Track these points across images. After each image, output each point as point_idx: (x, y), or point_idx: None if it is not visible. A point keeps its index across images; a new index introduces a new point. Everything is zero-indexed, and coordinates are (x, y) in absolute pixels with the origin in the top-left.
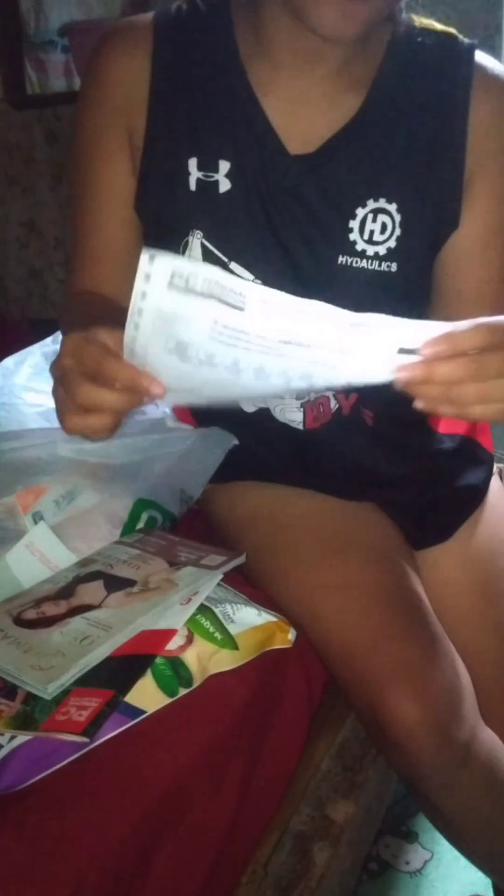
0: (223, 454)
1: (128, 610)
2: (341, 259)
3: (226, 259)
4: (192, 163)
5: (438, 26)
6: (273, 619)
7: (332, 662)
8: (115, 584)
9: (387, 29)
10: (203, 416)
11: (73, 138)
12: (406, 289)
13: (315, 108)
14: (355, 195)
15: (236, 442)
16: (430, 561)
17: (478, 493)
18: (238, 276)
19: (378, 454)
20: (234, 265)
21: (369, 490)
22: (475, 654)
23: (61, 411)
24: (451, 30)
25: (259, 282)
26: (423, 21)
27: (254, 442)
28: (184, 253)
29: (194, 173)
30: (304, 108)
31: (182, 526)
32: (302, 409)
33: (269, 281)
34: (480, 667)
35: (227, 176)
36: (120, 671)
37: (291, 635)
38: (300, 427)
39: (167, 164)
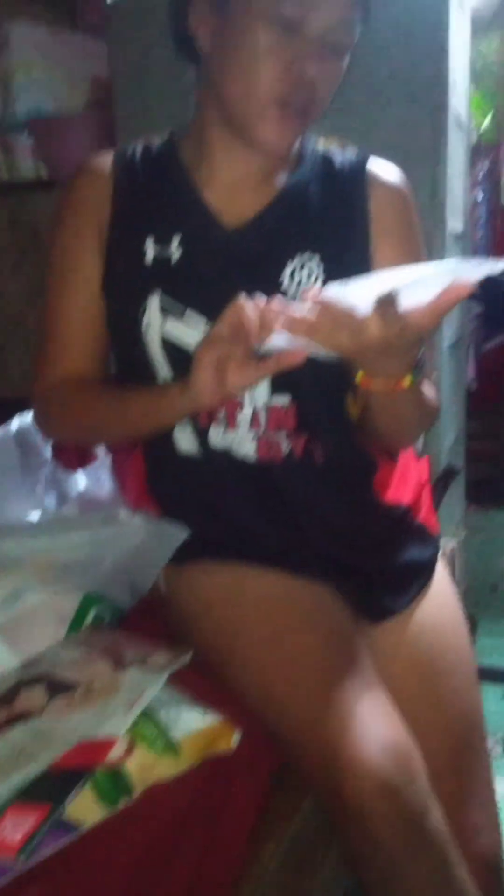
0: (175, 547)
1: (69, 718)
2: None
3: (181, 311)
4: (149, 242)
5: (336, 143)
6: (217, 721)
7: (287, 741)
8: (57, 688)
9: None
10: (162, 481)
11: (51, 246)
12: None
13: (246, 193)
14: (284, 253)
15: (188, 535)
16: (380, 637)
17: (425, 569)
18: (195, 324)
19: (328, 502)
20: (188, 313)
21: (324, 551)
22: (423, 731)
23: (218, 382)
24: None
25: (211, 325)
26: (325, 140)
27: (212, 498)
28: (143, 315)
29: (150, 250)
30: (237, 195)
31: (132, 612)
32: (255, 442)
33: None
34: (428, 744)
35: (179, 247)
36: (58, 784)
37: (235, 738)
38: (253, 461)
39: (128, 245)
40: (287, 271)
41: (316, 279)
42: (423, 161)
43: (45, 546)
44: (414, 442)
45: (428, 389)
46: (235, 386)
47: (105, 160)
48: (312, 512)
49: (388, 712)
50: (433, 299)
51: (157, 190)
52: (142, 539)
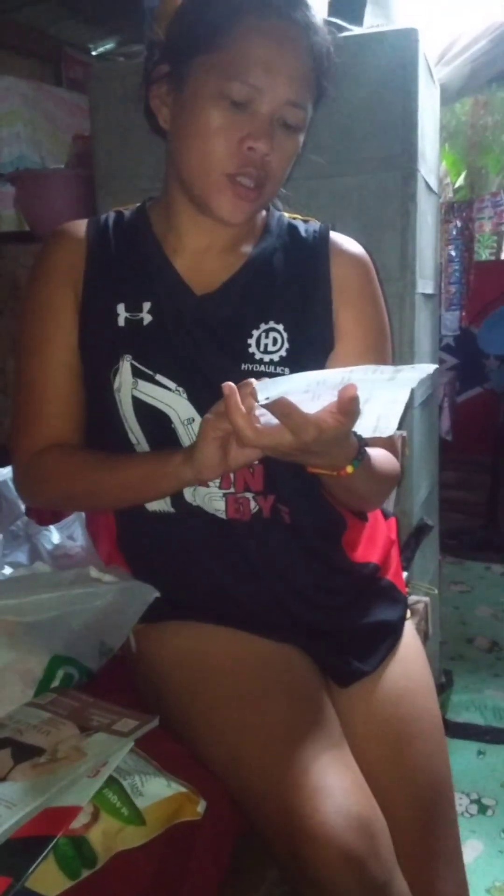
0: (144, 607)
1: (33, 784)
2: (244, 366)
3: (151, 373)
4: (121, 306)
5: (301, 217)
6: (183, 789)
7: (251, 807)
8: (22, 752)
9: (263, 209)
10: (133, 539)
11: (26, 308)
12: None
13: (213, 261)
14: (250, 320)
15: (157, 594)
16: (348, 703)
17: (394, 630)
18: (166, 386)
19: (297, 561)
20: (159, 376)
21: (293, 613)
22: (390, 796)
23: (222, 458)
24: (311, 218)
25: (182, 388)
26: (290, 213)
27: (182, 558)
28: (115, 377)
29: (122, 314)
30: (205, 263)
31: (102, 671)
32: (224, 499)
33: (188, 386)
34: (395, 810)
35: (150, 312)
36: (20, 854)
37: (201, 807)
38: (223, 516)
39: (100, 309)
40: (254, 338)
41: (280, 346)
42: (394, 226)
43: (14, 606)
44: (378, 506)
45: (383, 461)
46: (237, 462)
47: (80, 226)
48: (281, 571)
49: (354, 780)
50: (332, 401)
51: (129, 258)
52: (112, 598)
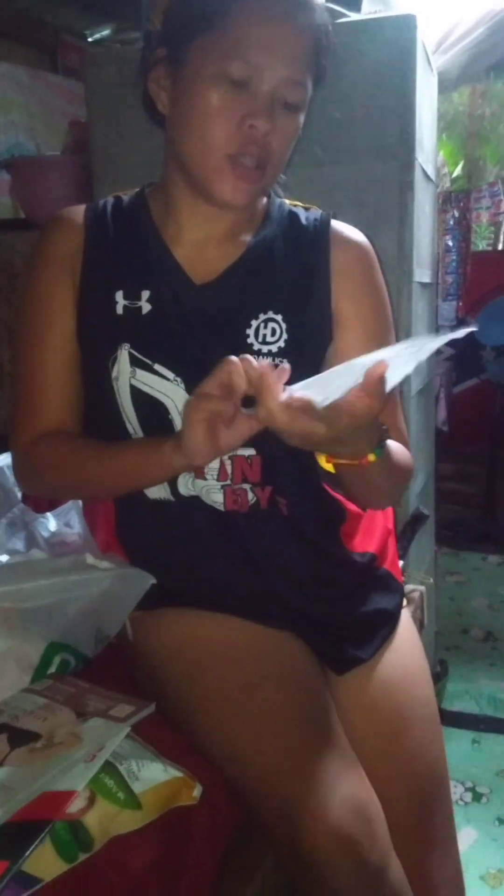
0: (141, 594)
1: (30, 769)
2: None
3: (150, 362)
4: (119, 294)
5: (302, 204)
6: (179, 774)
7: (248, 792)
8: (19, 738)
9: (264, 196)
10: (131, 529)
11: (23, 296)
12: (299, 379)
13: (213, 250)
14: (249, 310)
15: (154, 581)
16: (344, 690)
17: (390, 618)
18: (164, 375)
19: (294, 552)
20: (157, 366)
21: (290, 602)
22: (386, 783)
23: (211, 441)
24: (313, 206)
25: (180, 378)
26: (292, 201)
27: (179, 547)
28: (114, 365)
29: (120, 302)
30: (205, 251)
31: (98, 658)
32: (222, 491)
33: (186, 377)
34: (391, 795)
35: (148, 301)
36: (16, 838)
37: (197, 791)
38: (221, 508)
39: (99, 297)
40: (252, 328)
41: (279, 337)
42: (391, 215)
43: (10, 593)
44: (394, 500)
45: (400, 454)
46: (228, 444)
47: (78, 212)
48: (278, 562)
49: (349, 766)
50: (361, 382)
51: (127, 245)
52: (109, 585)
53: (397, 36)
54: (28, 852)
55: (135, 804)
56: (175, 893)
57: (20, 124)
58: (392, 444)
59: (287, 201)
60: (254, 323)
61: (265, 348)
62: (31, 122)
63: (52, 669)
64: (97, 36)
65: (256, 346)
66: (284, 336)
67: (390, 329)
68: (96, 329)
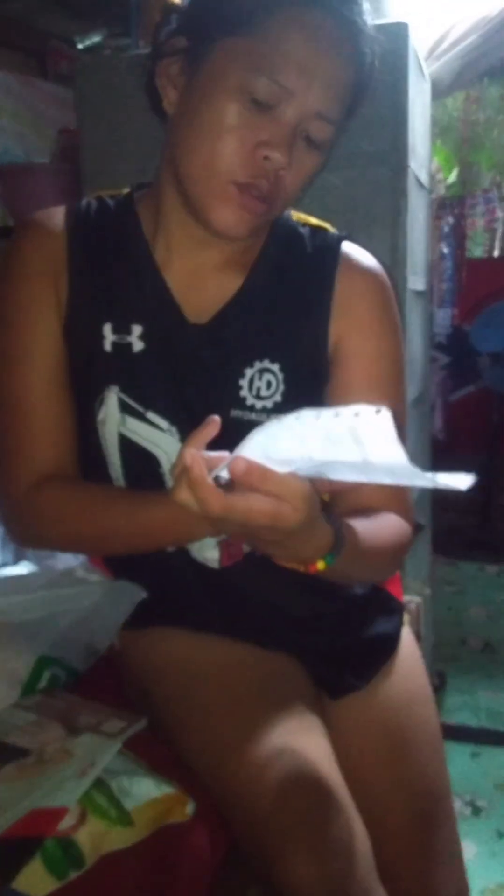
0: (132, 607)
1: (19, 786)
2: (233, 413)
3: (142, 409)
4: (108, 328)
5: (313, 220)
6: (171, 790)
7: (235, 820)
8: (8, 754)
9: (269, 220)
10: (118, 563)
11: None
12: None
13: (207, 281)
14: (244, 357)
15: (145, 595)
16: (343, 712)
17: (390, 642)
18: (157, 425)
19: (290, 593)
20: (150, 414)
21: (285, 635)
22: (384, 807)
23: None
24: (325, 224)
25: (174, 428)
26: (299, 215)
27: (169, 585)
28: (100, 407)
29: (109, 337)
30: (198, 282)
31: (88, 672)
32: (218, 548)
33: (181, 426)
34: (391, 818)
35: (141, 338)
36: (7, 855)
37: (190, 808)
38: (216, 566)
39: (84, 330)
40: (246, 378)
41: (275, 391)
42: (384, 222)
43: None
44: (384, 580)
45: (381, 532)
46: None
47: (56, 217)
48: (275, 605)
49: (336, 802)
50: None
51: (116, 265)
52: (99, 598)
53: (389, 43)
54: (20, 868)
55: (126, 821)
56: None
57: (9, 131)
58: (367, 526)
59: (294, 215)
60: (248, 372)
61: (259, 404)
62: (20, 128)
63: (43, 684)
64: (87, 43)
65: (249, 401)
66: (281, 388)
67: (400, 376)
68: (82, 365)
